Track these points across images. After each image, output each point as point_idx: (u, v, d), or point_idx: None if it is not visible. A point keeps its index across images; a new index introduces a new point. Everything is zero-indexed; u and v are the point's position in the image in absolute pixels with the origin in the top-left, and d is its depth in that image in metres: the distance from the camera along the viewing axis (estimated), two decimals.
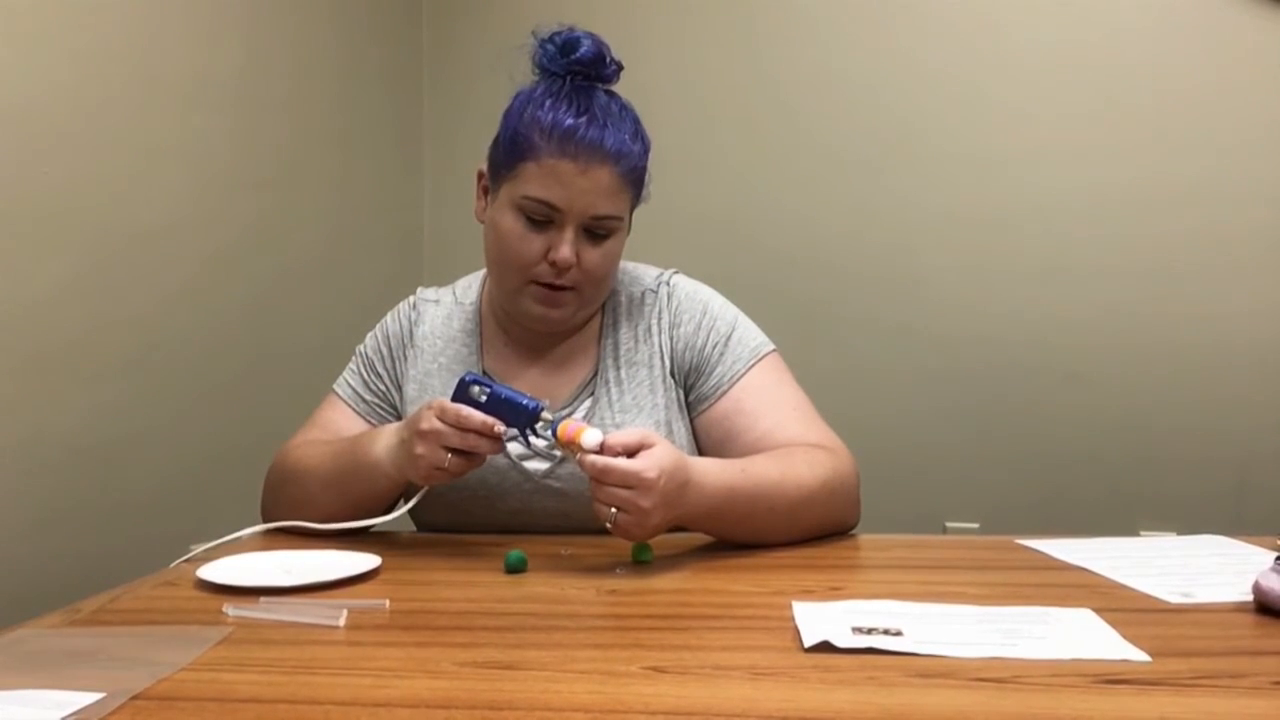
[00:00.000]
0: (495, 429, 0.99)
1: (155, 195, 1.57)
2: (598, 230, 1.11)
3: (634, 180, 1.13)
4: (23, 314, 1.34)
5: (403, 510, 1.13)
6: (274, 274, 1.88)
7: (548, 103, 1.09)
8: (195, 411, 1.66)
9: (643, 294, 1.22)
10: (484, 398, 1.00)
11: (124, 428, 1.51)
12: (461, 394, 1.01)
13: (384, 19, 2.31)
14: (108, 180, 1.48)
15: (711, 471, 1.00)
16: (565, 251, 1.09)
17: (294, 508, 1.15)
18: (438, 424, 0.99)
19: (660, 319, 1.20)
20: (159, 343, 1.58)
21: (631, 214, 1.17)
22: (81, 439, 1.43)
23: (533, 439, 1.02)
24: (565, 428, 0.96)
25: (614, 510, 0.94)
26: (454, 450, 1.00)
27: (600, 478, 0.93)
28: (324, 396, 1.28)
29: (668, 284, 1.23)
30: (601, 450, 0.93)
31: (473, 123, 2.36)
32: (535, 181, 1.08)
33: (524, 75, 1.15)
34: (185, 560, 1.02)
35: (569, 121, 1.07)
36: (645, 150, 1.14)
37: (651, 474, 0.92)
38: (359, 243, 2.18)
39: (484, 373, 1.21)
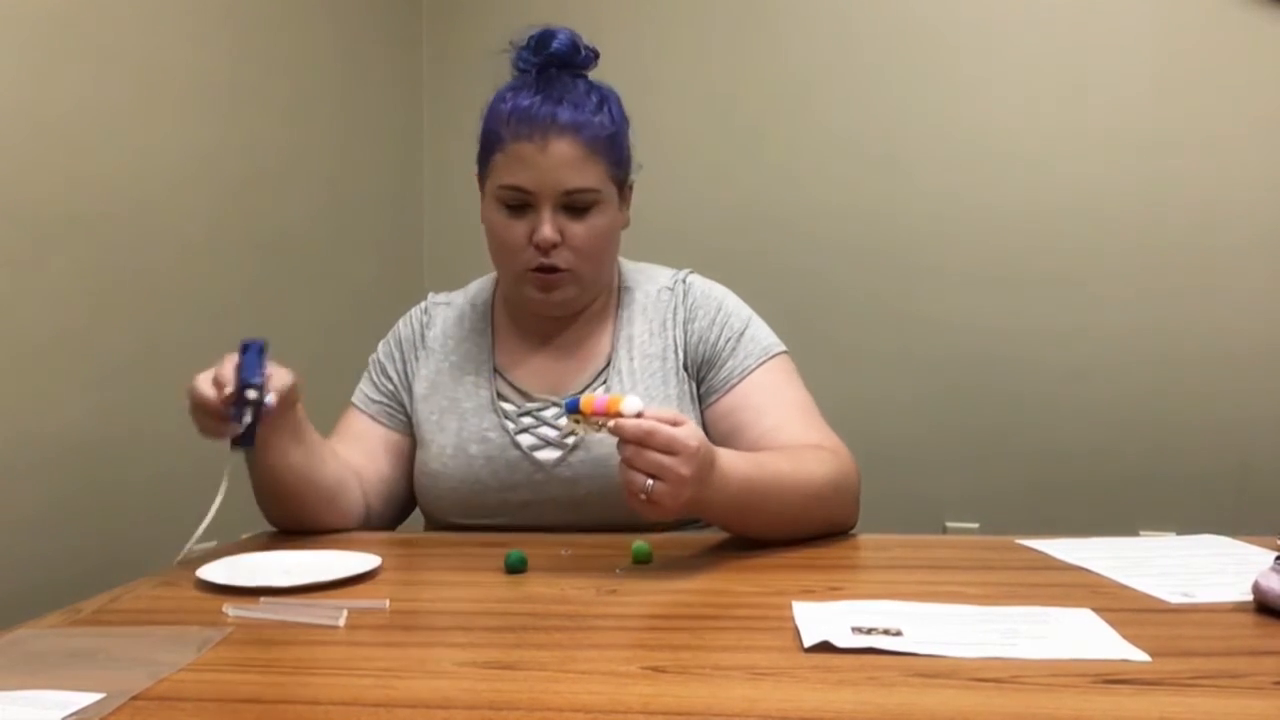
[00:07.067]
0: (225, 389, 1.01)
1: (154, 195, 1.57)
2: (576, 204, 1.13)
3: (603, 150, 1.13)
4: (22, 313, 1.34)
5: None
6: (273, 273, 1.88)
7: (509, 94, 1.14)
8: None
9: (659, 291, 1.25)
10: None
11: (124, 427, 1.50)
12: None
13: (384, 19, 2.31)
14: (107, 179, 1.48)
15: (733, 459, 1.00)
16: (546, 231, 1.11)
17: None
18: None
19: (676, 314, 1.22)
20: (159, 342, 1.57)
21: (621, 189, 1.18)
22: (81, 438, 1.43)
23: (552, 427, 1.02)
24: (591, 400, 0.92)
25: (649, 481, 0.90)
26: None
27: (644, 440, 0.90)
28: (326, 397, 1.30)
29: (684, 282, 1.26)
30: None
31: (473, 123, 2.33)
32: (503, 169, 1.12)
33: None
34: (186, 561, 1.02)
35: (525, 103, 1.11)
36: (613, 121, 1.15)
37: (693, 442, 0.91)
38: (359, 243, 2.18)
39: (495, 367, 1.23)
